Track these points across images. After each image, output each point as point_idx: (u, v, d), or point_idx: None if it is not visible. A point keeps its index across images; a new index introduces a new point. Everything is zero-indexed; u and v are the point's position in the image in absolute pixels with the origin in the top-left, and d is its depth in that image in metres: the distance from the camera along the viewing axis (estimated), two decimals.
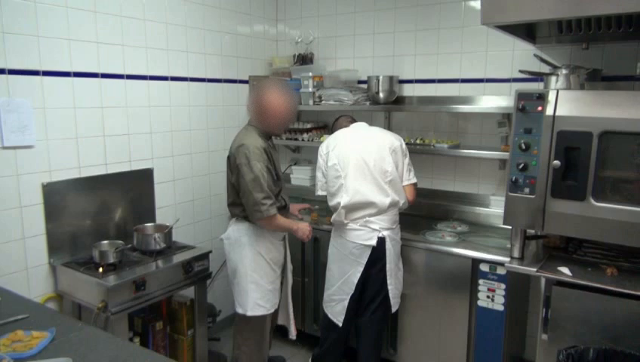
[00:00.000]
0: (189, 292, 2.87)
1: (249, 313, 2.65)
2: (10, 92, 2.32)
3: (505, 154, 2.71)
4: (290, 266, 2.88)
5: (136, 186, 2.97)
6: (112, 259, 2.51)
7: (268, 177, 2.51)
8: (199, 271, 2.78)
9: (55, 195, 2.53)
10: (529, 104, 2.26)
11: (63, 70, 2.53)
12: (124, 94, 2.84)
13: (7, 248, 2.37)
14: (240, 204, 2.61)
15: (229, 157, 2.65)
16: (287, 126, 2.91)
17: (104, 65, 2.72)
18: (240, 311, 2.69)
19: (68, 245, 2.62)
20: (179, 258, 2.72)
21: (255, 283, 2.64)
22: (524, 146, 2.27)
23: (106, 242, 2.68)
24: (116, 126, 2.82)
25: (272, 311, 2.73)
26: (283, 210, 2.70)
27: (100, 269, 2.45)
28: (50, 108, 2.49)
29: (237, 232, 2.68)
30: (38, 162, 2.46)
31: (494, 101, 3.01)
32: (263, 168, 2.49)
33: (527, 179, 2.28)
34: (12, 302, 1.88)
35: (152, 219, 3.04)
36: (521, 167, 2.28)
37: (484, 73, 3.10)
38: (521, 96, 2.29)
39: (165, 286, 2.59)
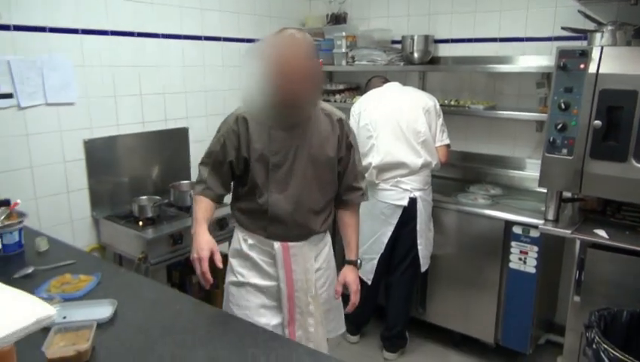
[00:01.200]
0: (224, 247, 2.96)
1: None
2: (52, 50, 2.39)
3: (543, 116, 2.63)
4: None
5: (172, 144, 3.04)
6: (150, 214, 2.61)
7: (220, 153, 1.70)
8: (234, 226, 2.85)
9: (96, 152, 2.63)
10: (571, 62, 2.18)
11: (101, 29, 2.58)
12: (160, 54, 2.88)
13: (53, 201, 2.49)
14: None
15: None
16: (279, 112, 1.53)
17: (140, 24, 2.75)
18: None
19: (108, 200, 2.73)
20: (214, 214, 2.79)
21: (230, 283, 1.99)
22: (563, 106, 2.21)
23: (144, 197, 2.78)
24: (152, 85, 2.87)
25: None
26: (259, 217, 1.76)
27: (140, 223, 2.55)
28: (89, 66, 2.55)
29: None
30: (80, 119, 2.55)
31: (534, 60, 2.91)
32: (219, 140, 1.72)
33: (566, 140, 2.23)
34: (60, 249, 1.99)
35: (188, 176, 3.12)
36: (559, 127, 2.22)
37: (524, 32, 2.99)
38: (562, 53, 2.21)
39: None
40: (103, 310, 1.45)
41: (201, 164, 1.77)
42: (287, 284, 1.76)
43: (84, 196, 2.63)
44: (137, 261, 2.42)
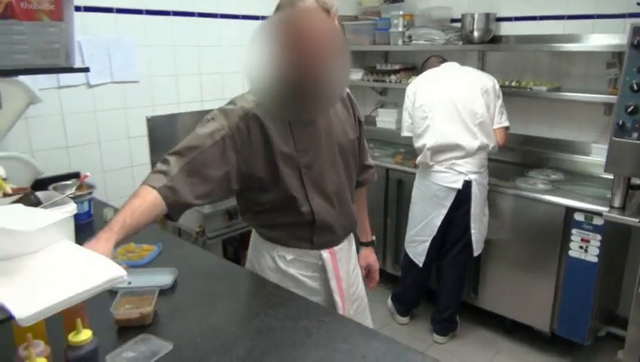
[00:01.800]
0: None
1: None
2: (118, 30, 2.50)
3: (612, 98, 2.48)
4: None
5: None
6: None
7: (211, 152, 1.28)
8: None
9: (157, 128, 2.74)
10: None
11: (164, 9, 2.66)
12: (218, 33, 2.94)
13: (119, 175, 2.64)
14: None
15: None
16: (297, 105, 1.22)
17: (200, 4, 2.81)
18: None
19: None
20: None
21: None
22: (635, 87, 2.08)
23: None
24: (211, 64, 2.95)
25: None
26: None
27: None
28: (152, 45, 2.65)
29: None
30: (143, 97, 2.67)
31: (604, 39, 2.74)
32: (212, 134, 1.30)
33: (636, 123, 2.10)
34: None
35: None
36: (630, 109, 2.09)
37: (594, 8, 2.81)
38: (637, 30, 2.07)
39: None
40: (164, 277, 1.53)
41: (173, 154, 1.30)
42: (340, 296, 1.53)
43: (146, 171, 2.71)
44: (195, 234, 2.52)
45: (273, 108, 1.28)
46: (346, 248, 1.59)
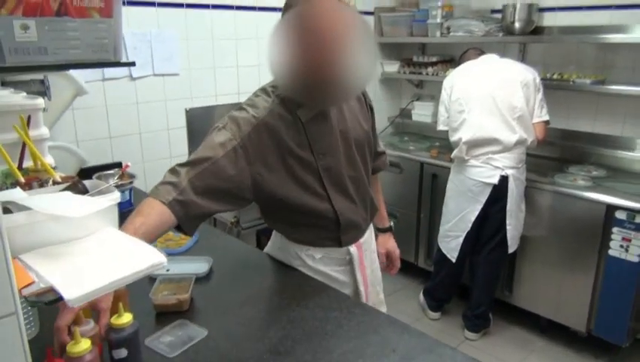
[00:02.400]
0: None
1: None
2: (160, 24, 2.56)
3: None
4: None
5: None
6: None
7: (222, 164, 1.25)
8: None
9: (195, 120, 2.81)
10: None
11: (203, 3, 2.71)
12: (256, 26, 2.98)
13: (158, 165, 2.72)
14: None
15: None
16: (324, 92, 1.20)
17: None
18: None
19: None
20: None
21: None
22: None
23: None
24: (248, 57, 2.99)
25: None
26: None
27: None
28: (192, 39, 2.71)
29: None
30: (182, 89, 2.73)
31: None
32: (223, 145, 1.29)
33: None
34: None
35: None
36: None
37: None
38: None
39: None
40: (200, 266, 1.58)
41: (183, 165, 1.26)
42: (364, 284, 1.58)
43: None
44: (230, 224, 2.58)
45: (296, 97, 1.26)
46: (369, 237, 1.62)
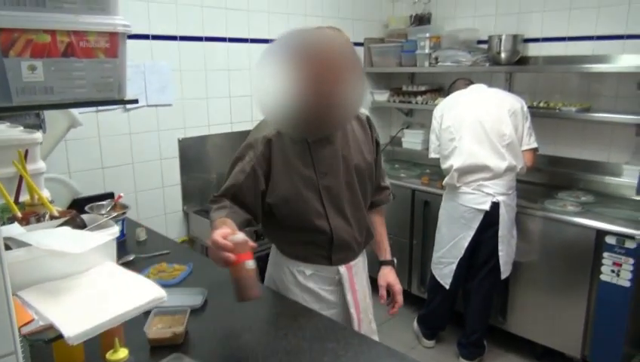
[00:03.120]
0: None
1: None
2: (154, 55, 2.60)
3: None
4: None
5: None
6: None
7: (246, 184, 1.45)
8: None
9: (188, 150, 2.82)
10: None
11: (196, 35, 2.76)
12: (248, 57, 3.03)
13: (150, 195, 2.72)
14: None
15: None
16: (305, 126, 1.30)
17: (231, 30, 2.91)
18: None
19: (198, 195, 2.92)
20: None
21: None
22: None
23: None
24: (240, 87, 3.03)
25: None
26: None
27: None
28: (185, 70, 2.75)
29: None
30: (175, 119, 2.75)
31: (635, 59, 2.71)
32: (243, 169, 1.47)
33: None
34: (157, 239, 2.16)
35: None
36: None
37: (624, 28, 2.80)
38: None
39: None
40: (195, 297, 1.56)
41: (219, 195, 1.47)
42: (356, 308, 1.61)
43: (177, 191, 2.83)
44: None
45: (287, 129, 1.38)
46: (361, 262, 1.67)
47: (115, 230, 0.88)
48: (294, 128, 1.32)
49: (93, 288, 0.80)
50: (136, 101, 0.82)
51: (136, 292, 0.79)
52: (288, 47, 1.18)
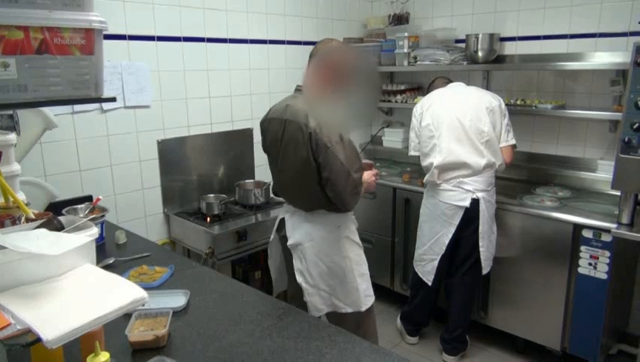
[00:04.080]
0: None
1: (363, 308, 2.12)
2: (131, 56, 2.56)
3: (617, 115, 2.51)
4: None
5: (238, 145, 3.17)
6: (217, 211, 2.73)
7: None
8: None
9: (168, 152, 2.79)
10: None
11: (174, 35, 2.73)
12: (227, 58, 3.01)
13: (130, 197, 2.67)
14: (324, 196, 1.95)
15: (292, 137, 1.91)
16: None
17: (209, 30, 2.89)
18: (350, 310, 2.10)
19: (178, 197, 2.88)
20: (276, 212, 2.87)
21: (361, 276, 2.13)
22: None
23: (211, 195, 2.91)
24: (220, 88, 3.00)
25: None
26: None
27: (207, 219, 2.68)
28: (164, 70, 2.71)
29: (324, 229, 2.04)
30: (154, 121, 2.72)
31: (607, 57, 2.78)
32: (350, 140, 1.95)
33: None
34: (137, 242, 2.14)
35: (252, 176, 3.24)
36: (635, 126, 2.12)
37: (597, 27, 2.86)
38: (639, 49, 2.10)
39: (264, 237, 2.77)
40: (177, 299, 1.55)
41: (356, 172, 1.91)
42: None
43: (156, 193, 2.79)
44: (205, 255, 2.55)
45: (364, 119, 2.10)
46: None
47: (94, 231, 0.87)
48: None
49: (72, 290, 0.78)
50: (114, 99, 0.81)
51: (116, 293, 0.78)
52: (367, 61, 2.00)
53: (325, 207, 2.01)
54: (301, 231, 2.06)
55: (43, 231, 0.87)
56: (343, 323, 2.00)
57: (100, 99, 0.71)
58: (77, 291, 0.78)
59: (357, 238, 2.13)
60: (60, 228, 0.91)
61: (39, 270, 0.79)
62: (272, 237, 2.27)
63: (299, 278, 2.09)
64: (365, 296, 2.11)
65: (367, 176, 2.08)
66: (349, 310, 2.10)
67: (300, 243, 2.06)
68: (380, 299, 3.49)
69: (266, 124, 2.05)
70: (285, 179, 2.05)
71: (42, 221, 0.93)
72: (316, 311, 2.09)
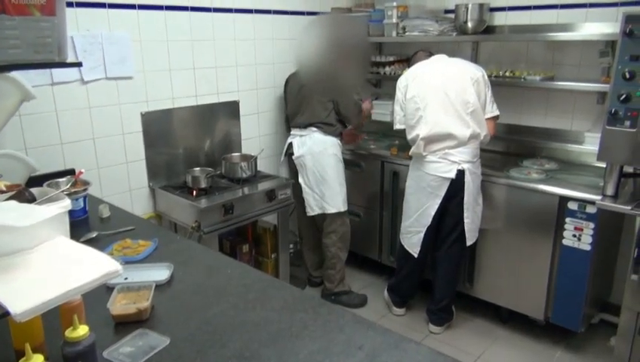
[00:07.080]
0: (273, 219, 3.04)
1: (342, 208, 3.00)
2: (111, 26, 2.48)
3: (605, 87, 2.50)
4: None
5: (224, 117, 3.12)
6: (203, 184, 2.71)
7: None
8: (282, 198, 2.92)
9: (152, 124, 2.74)
10: (638, 27, 2.04)
11: (156, 4, 2.65)
12: (212, 27, 2.93)
13: (114, 171, 2.63)
14: (337, 122, 3.00)
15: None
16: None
17: None
18: (333, 210, 2.98)
19: (164, 171, 2.85)
20: (263, 186, 2.87)
21: (341, 185, 3.01)
22: (628, 75, 2.09)
23: (197, 169, 2.88)
24: (205, 59, 2.93)
25: None
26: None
27: (193, 193, 2.66)
28: (146, 40, 2.64)
29: (321, 145, 2.94)
30: (137, 93, 2.65)
31: (597, 28, 2.75)
32: None
33: (629, 112, 2.11)
34: (121, 216, 2.11)
35: (239, 149, 3.20)
36: (622, 98, 2.11)
37: None
38: (629, 19, 2.07)
39: (251, 211, 2.76)
40: (160, 272, 1.54)
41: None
42: None
43: (141, 167, 2.75)
44: (191, 229, 2.53)
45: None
46: None
47: (66, 203, 0.84)
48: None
49: (43, 263, 0.76)
50: (80, 64, 0.77)
51: (89, 266, 0.76)
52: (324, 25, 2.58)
53: (329, 130, 2.98)
54: (304, 148, 2.95)
55: (13, 203, 0.84)
56: (330, 221, 3.04)
57: (64, 64, 0.68)
58: (48, 264, 0.76)
59: (340, 156, 3.02)
60: (31, 200, 0.89)
61: (10, 242, 0.76)
62: (282, 158, 3.17)
63: (300, 180, 3.02)
64: (343, 200, 3.00)
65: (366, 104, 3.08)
66: (334, 210, 2.98)
67: (303, 155, 2.96)
68: (367, 271, 3.54)
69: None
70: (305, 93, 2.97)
71: (12, 193, 0.90)
72: (310, 210, 3.03)
